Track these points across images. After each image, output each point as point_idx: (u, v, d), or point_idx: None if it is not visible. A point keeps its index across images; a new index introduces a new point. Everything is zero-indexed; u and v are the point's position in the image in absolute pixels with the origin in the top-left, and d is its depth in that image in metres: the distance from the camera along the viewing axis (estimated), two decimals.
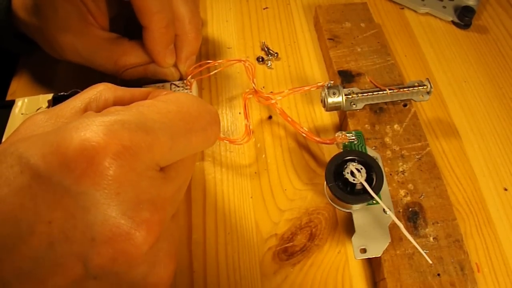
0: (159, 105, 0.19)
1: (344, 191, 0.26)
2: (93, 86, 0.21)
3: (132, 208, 0.16)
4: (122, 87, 0.22)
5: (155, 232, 0.17)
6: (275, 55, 0.39)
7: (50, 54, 0.33)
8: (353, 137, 0.29)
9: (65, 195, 0.15)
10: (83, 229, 0.15)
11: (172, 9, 0.31)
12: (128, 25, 0.34)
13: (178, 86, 0.34)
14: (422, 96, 0.32)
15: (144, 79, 0.34)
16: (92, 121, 0.16)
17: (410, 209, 0.28)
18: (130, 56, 0.31)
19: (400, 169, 0.30)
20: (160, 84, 0.34)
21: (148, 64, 0.32)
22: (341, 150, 0.29)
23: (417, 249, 0.24)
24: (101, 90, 0.21)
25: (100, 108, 0.20)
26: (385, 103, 0.33)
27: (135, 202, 0.16)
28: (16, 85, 0.38)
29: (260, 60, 0.39)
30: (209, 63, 0.34)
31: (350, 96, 0.32)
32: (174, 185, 0.19)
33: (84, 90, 0.21)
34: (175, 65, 0.33)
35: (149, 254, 0.17)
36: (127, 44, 0.31)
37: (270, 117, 0.35)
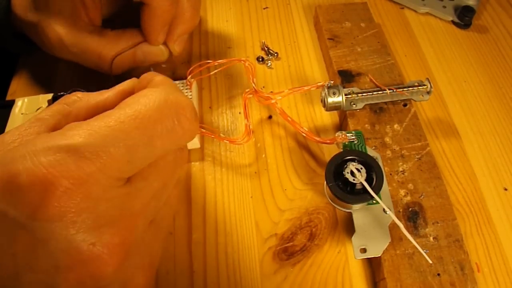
0: (114, 115, 0.18)
1: (344, 191, 0.26)
2: (65, 97, 0.21)
3: (91, 234, 0.16)
4: (96, 93, 0.21)
5: (119, 253, 0.17)
6: (275, 55, 0.39)
7: (44, 50, 0.33)
8: (353, 137, 0.29)
9: (22, 229, 0.16)
10: (46, 259, 0.16)
11: None
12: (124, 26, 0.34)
13: (178, 86, 0.34)
14: (422, 96, 0.32)
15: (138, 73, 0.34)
16: (39, 150, 0.16)
17: (410, 209, 0.28)
18: (113, 45, 0.31)
19: (400, 169, 0.30)
20: None
21: (134, 47, 0.31)
22: (341, 150, 0.29)
23: (417, 249, 0.24)
24: (72, 103, 0.20)
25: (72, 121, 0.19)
26: (385, 103, 0.33)
27: (93, 227, 0.16)
28: (16, 85, 0.38)
29: (260, 60, 0.39)
30: (209, 63, 0.34)
31: (350, 96, 0.32)
32: (144, 194, 0.18)
33: (55, 103, 0.20)
34: (165, 43, 0.33)
35: (119, 272, 0.17)
36: (110, 34, 0.31)
37: (270, 117, 0.35)
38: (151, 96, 0.18)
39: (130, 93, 0.22)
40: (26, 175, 0.15)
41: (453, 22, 0.43)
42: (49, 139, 0.16)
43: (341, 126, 0.35)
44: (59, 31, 0.30)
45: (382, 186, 0.26)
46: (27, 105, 0.32)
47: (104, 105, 0.20)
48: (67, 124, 0.18)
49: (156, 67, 0.36)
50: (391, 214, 0.25)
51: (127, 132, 0.17)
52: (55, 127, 0.19)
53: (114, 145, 0.17)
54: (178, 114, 0.19)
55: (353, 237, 0.26)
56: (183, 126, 0.19)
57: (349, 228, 0.29)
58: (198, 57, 0.39)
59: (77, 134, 0.17)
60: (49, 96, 0.32)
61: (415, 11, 0.44)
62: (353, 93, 0.32)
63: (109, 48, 0.30)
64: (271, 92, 0.36)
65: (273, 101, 0.32)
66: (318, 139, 0.30)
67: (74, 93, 0.21)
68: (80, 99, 0.20)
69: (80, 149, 0.16)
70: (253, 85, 0.32)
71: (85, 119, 0.19)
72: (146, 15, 0.30)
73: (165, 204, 0.21)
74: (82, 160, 0.16)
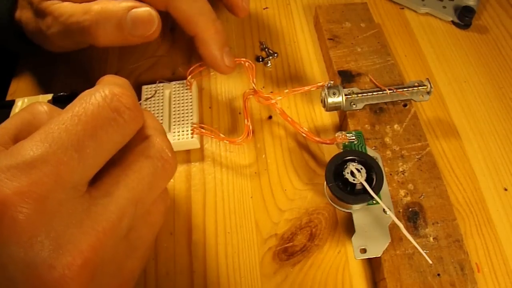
0: (54, 120, 0.17)
1: (344, 191, 0.26)
2: (31, 105, 0.20)
3: (51, 256, 0.15)
4: (61, 110, 0.19)
5: (82, 275, 0.16)
6: (275, 55, 0.39)
7: (45, 46, 0.32)
8: (353, 137, 0.29)
9: None
10: (7, 284, 0.15)
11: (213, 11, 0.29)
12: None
13: (178, 87, 0.34)
14: (422, 96, 0.32)
15: (141, 80, 0.34)
16: None
17: (410, 209, 0.28)
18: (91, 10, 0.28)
19: (400, 169, 0.30)
20: (160, 84, 0.34)
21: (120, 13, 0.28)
22: (341, 150, 0.29)
23: (417, 249, 0.24)
24: (36, 115, 0.19)
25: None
26: (385, 103, 0.33)
27: (53, 248, 0.15)
28: (16, 85, 0.38)
29: (260, 60, 0.39)
30: None
31: (350, 96, 0.32)
32: (110, 211, 0.17)
33: (21, 111, 0.20)
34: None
35: None
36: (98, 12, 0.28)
37: (270, 117, 0.35)
38: (86, 94, 0.18)
39: None
40: None
41: (453, 22, 0.43)
42: (1, 158, 0.16)
43: (341, 126, 0.35)
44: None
45: (382, 186, 0.26)
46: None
47: None
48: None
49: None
50: (391, 214, 0.25)
51: (69, 131, 0.17)
52: (17, 139, 0.18)
53: (60, 147, 0.16)
54: (114, 102, 0.18)
55: (353, 237, 0.26)
56: (123, 116, 0.18)
57: (349, 228, 0.29)
58: (198, 57, 0.39)
59: (26, 147, 0.16)
60: (49, 96, 0.32)
61: (415, 11, 0.44)
62: (353, 93, 0.32)
63: (89, 15, 0.27)
64: (271, 92, 0.36)
65: (273, 101, 0.32)
66: (318, 139, 0.30)
67: (40, 103, 0.20)
68: (46, 112, 0.20)
69: (31, 162, 0.15)
70: (253, 85, 0.32)
71: None
72: (200, 47, 0.29)
73: (144, 221, 0.20)
74: (33, 172, 0.15)
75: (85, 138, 0.17)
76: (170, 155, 0.20)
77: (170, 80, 0.35)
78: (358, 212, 0.27)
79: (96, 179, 0.18)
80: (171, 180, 0.32)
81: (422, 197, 0.28)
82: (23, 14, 0.32)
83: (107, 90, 0.18)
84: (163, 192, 0.21)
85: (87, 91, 0.19)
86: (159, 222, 0.21)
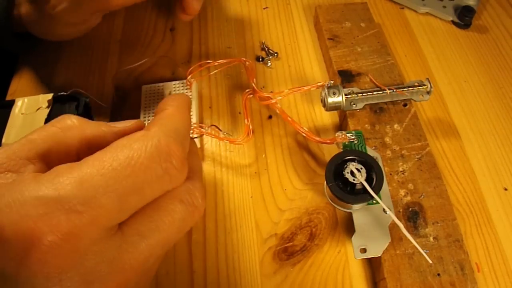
0: (106, 161, 0.17)
1: (344, 191, 0.26)
2: (61, 119, 0.19)
3: None
4: (95, 125, 0.20)
5: None
6: (275, 55, 0.39)
7: (45, 37, 0.32)
8: (353, 137, 0.29)
9: (7, 283, 0.15)
10: None
11: None
12: None
13: (178, 87, 0.34)
14: (422, 96, 0.32)
15: (141, 80, 0.34)
16: (26, 200, 0.15)
17: (410, 209, 0.28)
18: None
19: (400, 169, 0.30)
20: (161, 84, 0.34)
21: None
22: (341, 150, 0.29)
23: (417, 249, 0.24)
24: (67, 130, 0.19)
25: (60, 156, 0.19)
26: (385, 103, 0.33)
27: (81, 284, 0.15)
28: (16, 85, 0.38)
29: (260, 60, 0.39)
30: (209, 63, 0.34)
31: (350, 96, 0.32)
32: (140, 250, 0.17)
33: (48, 125, 0.19)
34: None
35: None
36: None
37: (270, 117, 0.35)
38: (143, 141, 0.18)
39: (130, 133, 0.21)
40: (11, 227, 0.15)
41: (453, 22, 0.43)
42: (37, 187, 0.16)
43: (341, 126, 0.35)
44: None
45: (382, 186, 0.26)
46: (27, 105, 0.32)
47: (99, 143, 0.19)
48: (56, 166, 0.17)
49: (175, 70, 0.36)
50: (391, 214, 0.25)
51: (119, 181, 0.16)
52: (45, 154, 0.18)
53: (105, 195, 0.16)
54: (167, 162, 0.18)
55: (353, 237, 0.26)
56: (170, 174, 0.18)
57: (349, 228, 0.29)
58: (198, 57, 0.39)
59: (68, 183, 0.16)
60: (49, 96, 0.32)
61: (415, 11, 0.44)
62: (353, 93, 0.32)
63: None
64: (271, 92, 0.36)
65: (273, 101, 0.32)
66: (318, 139, 0.30)
67: (69, 116, 0.19)
68: (76, 126, 0.19)
69: (71, 201, 0.15)
70: (253, 85, 0.32)
71: (77, 150, 0.19)
72: None
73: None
74: (73, 213, 0.15)
75: (131, 192, 0.17)
76: (201, 203, 0.20)
77: (170, 80, 0.35)
78: (358, 212, 0.27)
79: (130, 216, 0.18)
80: None
81: (422, 197, 0.28)
82: (22, 8, 0.32)
83: (163, 144, 0.18)
84: None
85: (142, 134, 0.18)
86: (171, 244, 0.21)
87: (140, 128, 0.21)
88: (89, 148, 0.19)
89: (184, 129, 0.20)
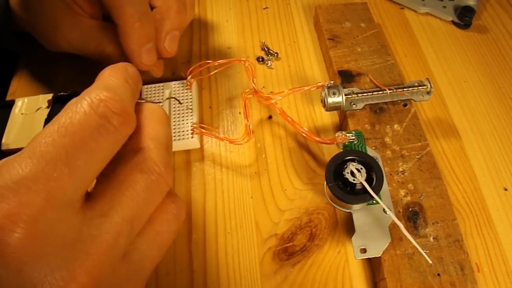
0: (40, 135, 0.16)
1: (344, 191, 0.26)
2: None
3: (42, 281, 0.14)
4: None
5: None
6: (275, 55, 0.39)
7: (46, 47, 0.33)
8: (353, 137, 0.29)
9: None
10: None
11: (149, 2, 0.28)
12: None
13: (178, 87, 0.34)
14: (422, 96, 0.32)
15: (142, 80, 0.34)
16: None
17: (410, 209, 0.28)
18: (115, 46, 0.29)
19: (400, 169, 0.30)
20: (161, 84, 0.34)
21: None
22: (341, 150, 0.29)
23: (417, 249, 0.24)
24: None
25: None
26: (385, 103, 0.33)
27: (43, 273, 0.14)
28: (16, 85, 0.38)
29: (260, 60, 0.39)
30: (209, 63, 0.34)
31: (350, 96, 0.32)
32: (105, 231, 0.16)
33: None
34: (159, 59, 0.31)
35: None
36: (114, 32, 0.29)
37: (270, 117, 0.35)
38: (72, 103, 0.17)
39: None
40: None
41: (453, 22, 0.43)
42: None
43: (341, 126, 0.35)
44: (61, 30, 0.29)
45: (382, 186, 0.26)
46: (27, 105, 0.32)
47: None
48: None
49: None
50: (391, 214, 0.25)
51: (56, 144, 0.15)
52: None
53: (48, 162, 0.15)
54: (102, 108, 0.17)
55: (353, 237, 0.26)
56: (112, 122, 0.17)
57: (349, 228, 0.29)
58: (198, 57, 0.39)
59: (12, 167, 0.15)
60: (49, 96, 0.32)
61: (415, 11, 0.44)
62: (353, 93, 0.32)
63: (110, 48, 0.30)
64: (271, 92, 0.36)
65: (273, 101, 0.32)
66: (318, 139, 0.30)
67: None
68: None
69: (19, 181, 0.14)
70: (253, 85, 0.32)
71: None
72: (120, 36, 0.28)
73: (152, 242, 0.19)
74: (22, 192, 0.14)
75: (74, 150, 0.16)
76: (163, 170, 0.18)
77: (170, 80, 0.35)
78: (358, 212, 0.27)
79: (89, 196, 0.17)
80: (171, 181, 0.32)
81: (422, 197, 0.28)
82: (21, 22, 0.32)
83: (93, 96, 0.17)
84: (177, 209, 0.20)
85: (73, 99, 0.18)
86: (169, 241, 0.20)
87: None
88: None
89: (119, 84, 0.19)
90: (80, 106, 0.17)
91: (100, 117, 0.17)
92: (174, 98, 0.33)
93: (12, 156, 0.16)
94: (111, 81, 0.20)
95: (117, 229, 0.17)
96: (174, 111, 0.33)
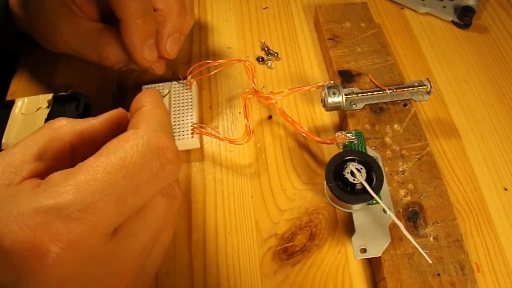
0: (100, 165, 0.17)
1: (344, 191, 0.26)
2: (50, 122, 0.20)
3: None
4: (82, 120, 0.20)
5: None
6: (275, 55, 0.39)
7: (45, 47, 0.33)
8: (353, 137, 0.29)
9: None
10: None
11: None
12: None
13: (178, 87, 0.34)
14: (422, 96, 0.32)
15: (142, 80, 0.34)
16: (25, 210, 0.15)
17: (410, 209, 0.28)
18: (113, 48, 0.29)
19: (400, 169, 0.30)
20: (161, 84, 0.34)
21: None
22: (341, 150, 0.29)
23: (417, 249, 0.24)
24: (57, 129, 0.19)
25: (56, 152, 0.19)
26: (385, 103, 0.33)
27: None
28: (16, 85, 0.38)
29: (260, 60, 0.39)
30: (209, 63, 0.34)
31: (350, 96, 0.32)
32: (133, 250, 0.17)
33: (39, 128, 0.19)
34: (160, 57, 0.31)
35: None
36: (112, 35, 0.29)
37: (270, 117, 0.35)
38: (134, 140, 0.18)
39: (115, 122, 0.21)
40: (10, 238, 0.15)
41: (453, 22, 0.43)
42: (35, 198, 0.16)
43: (341, 126, 0.35)
44: (60, 31, 0.29)
45: (382, 186, 0.26)
46: (27, 105, 0.32)
47: (89, 133, 0.20)
48: (50, 175, 0.17)
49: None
50: (391, 214, 0.25)
51: (115, 184, 0.16)
52: (40, 153, 0.18)
53: (103, 199, 0.16)
54: (160, 158, 0.18)
55: (353, 237, 0.26)
56: (165, 169, 0.18)
57: (349, 228, 0.29)
58: (198, 57, 0.39)
59: (64, 191, 0.16)
60: (49, 96, 0.32)
61: (415, 11, 0.44)
62: (353, 93, 0.32)
63: (107, 51, 0.29)
64: (271, 92, 0.36)
65: (273, 101, 0.32)
66: (318, 139, 0.30)
67: (58, 119, 0.20)
68: (66, 125, 0.20)
69: (69, 208, 0.15)
70: (253, 85, 0.32)
71: (71, 143, 0.19)
72: (122, 32, 0.28)
73: (157, 249, 0.20)
74: (72, 221, 0.15)
75: (128, 193, 0.17)
76: (178, 193, 0.20)
77: (170, 80, 0.35)
78: (358, 212, 0.27)
79: None
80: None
81: (422, 197, 0.28)
82: (20, 23, 0.32)
83: (154, 140, 0.18)
84: (174, 219, 0.21)
85: (131, 134, 0.18)
86: (168, 244, 0.21)
87: (123, 115, 0.21)
88: (82, 138, 0.20)
89: (167, 123, 0.21)
90: (140, 148, 0.18)
91: (158, 167, 0.18)
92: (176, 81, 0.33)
93: (56, 177, 0.16)
94: (162, 118, 0.21)
95: (143, 248, 0.18)
96: (174, 111, 0.33)
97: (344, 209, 0.28)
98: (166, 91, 0.34)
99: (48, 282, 0.15)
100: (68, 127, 0.19)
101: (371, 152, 0.30)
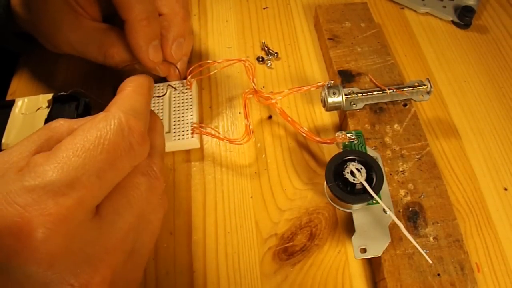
0: (76, 142, 0.18)
1: (344, 191, 0.26)
2: (48, 123, 0.21)
3: (69, 275, 0.16)
4: (79, 120, 0.21)
5: None
6: (275, 55, 0.39)
7: (47, 48, 0.33)
8: (353, 137, 0.29)
9: None
10: None
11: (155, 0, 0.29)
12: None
13: (178, 87, 0.34)
14: (422, 96, 0.32)
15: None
16: (13, 189, 0.16)
17: (410, 209, 0.28)
18: (118, 48, 0.30)
19: (400, 169, 0.30)
20: (161, 84, 0.34)
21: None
22: (341, 150, 0.29)
23: (417, 249, 0.24)
24: (54, 128, 0.20)
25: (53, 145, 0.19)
26: (385, 103, 0.33)
27: (71, 267, 0.16)
28: (16, 85, 0.38)
29: (260, 60, 0.39)
30: (209, 63, 0.34)
31: (350, 96, 0.32)
32: (119, 229, 0.18)
33: (38, 130, 0.20)
34: (164, 60, 0.31)
35: None
36: (116, 35, 0.30)
37: (270, 117, 0.35)
38: (106, 121, 0.19)
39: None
40: (1, 216, 0.15)
41: (453, 22, 0.43)
42: (21, 177, 0.16)
43: (341, 126, 0.35)
44: (63, 31, 0.29)
45: (382, 186, 0.26)
46: (27, 105, 0.32)
47: None
48: (31, 157, 0.18)
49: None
50: (391, 214, 0.25)
51: (94, 159, 0.17)
52: (37, 152, 0.19)
53: (85, 174, 0.17)
54: (130, 137, 0.19)
55: (353, 237, 0.26)
56: (134, 148, 0.19)
57: (349, 228, 0.29)
58: (198, 57, 0.39)
59: (49, 169, 0.16)
60: (49, 96, 0.32)
61: (415, 11, 0.44)
62: (353, 93, 0.32)
63: (112, 51, 0.30)
64: (271, 92, 0.36)
65: (273, 101, 0.32)
66: (318, 139, 0.30)
67: (56, 120, 0.21)
68: (63, 124, 0.20)
69: (56, 184, 0.16)
70: (253, 85, 0.32)
71: None
72: (126, 33, 0.28)
73: (145, 231, 0.21)
74: (59, 197, 0.16)
75: (106, 167, 0.18)
76: (159, 175, 0.21)
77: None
78: (358, 212, 0.27)
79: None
80: (171, 181, 0.32)
81: (422, 197, 0.28)
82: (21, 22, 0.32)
83: (124, 121, 0.19)
84: (161, 198, 0.22)
85: (101, 114, 0.20)
86: (158, 228, 0.22)
87: None
88: None
89: (142, 107, 0.22)
90: (113, 127, 0.19)
91: (129, 145, 0.19)
92: (172, 86, 0.34)
93: (47, 155, 0.17)
94: (138, 103, 0.22)
95: (128, 226, 0.19)
96: (174, 111, 0.33)
97: (344, 209, 0.28)
98: (166, 91, 0.34)
99: (38, 258, 0.15)
100: (65, 126, 0.20)
101: (371, 152, 0.30)
